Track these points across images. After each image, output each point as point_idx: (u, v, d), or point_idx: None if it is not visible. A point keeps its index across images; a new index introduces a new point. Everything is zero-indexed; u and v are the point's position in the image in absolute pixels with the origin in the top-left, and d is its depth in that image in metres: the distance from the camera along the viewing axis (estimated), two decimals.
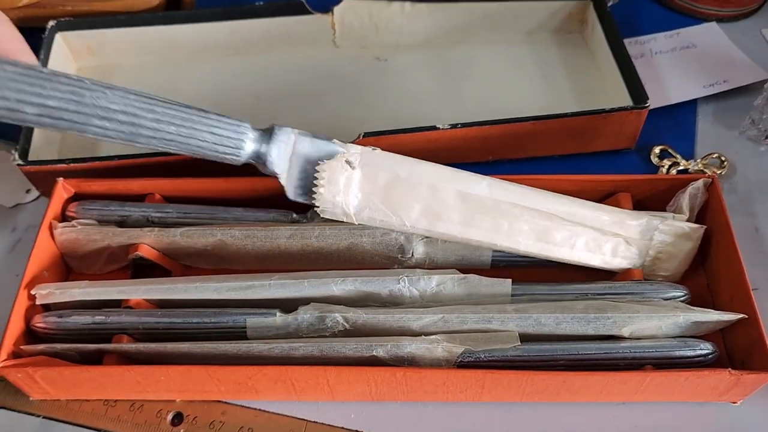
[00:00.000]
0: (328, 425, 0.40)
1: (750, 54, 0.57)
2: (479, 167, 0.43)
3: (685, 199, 0.43)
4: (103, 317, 0.40)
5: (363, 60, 0.58)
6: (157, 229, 0.43)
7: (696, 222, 0.43)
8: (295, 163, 0.40)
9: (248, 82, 0.56)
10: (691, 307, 0.39)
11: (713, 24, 0.61)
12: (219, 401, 0.41)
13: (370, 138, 0.45)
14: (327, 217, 0.40)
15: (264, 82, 0.56)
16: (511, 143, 0.49)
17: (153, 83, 0.56)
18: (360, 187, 0.40)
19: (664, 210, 0.44)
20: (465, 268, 0.41)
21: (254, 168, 0.40)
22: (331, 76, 0.57)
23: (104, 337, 0.40)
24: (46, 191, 0.47)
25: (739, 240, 0.40)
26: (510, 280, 0.40)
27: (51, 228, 0.43)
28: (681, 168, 0.51)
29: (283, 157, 0.40)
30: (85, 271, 0.45)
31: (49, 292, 0.40)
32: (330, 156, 0.40)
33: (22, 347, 0.39)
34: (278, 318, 0.39)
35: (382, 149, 0.41)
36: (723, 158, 0.51)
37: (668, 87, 0.55)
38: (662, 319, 0.38)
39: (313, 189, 0.40)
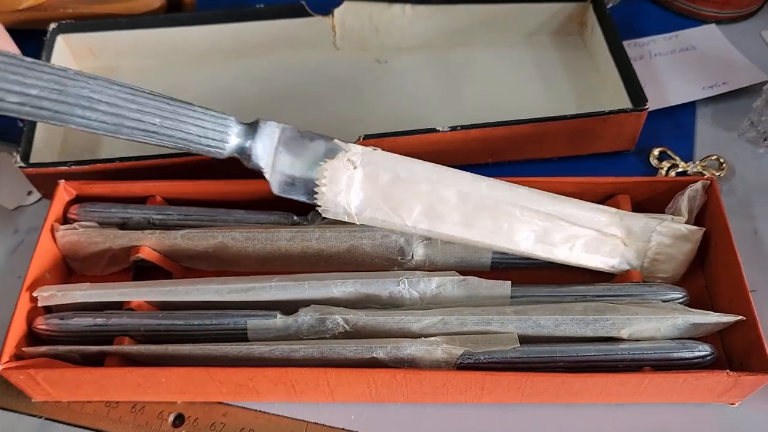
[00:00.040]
0: (329, 426, 0.40)
1: (749, 56, 0.57)
2: (479, 169, 0.43)
3: (683, 201, 0.43)
4: (105, 319, 0.40)
5: (363, 62, 0.58)
6: (158, 231, 0.43)
7: (695, 224, 0.43)
8: (280, 158, 0.40)
9: (249, 84, 0.57)
10: (690, 309, 0.39)
11: (712, 26, 0.61)
12: (220, 403, 0.41)
13: (371, 140, 0.46)
14: (329, 217, 0.40)
15: (265, 84, 0.57)
16: (511, 145, 0.49)
17: (154, 85, 0.55)
18: (361, 187, 0.40)
19: (663, 212, 0.44)
20: (464, 270, 0.42)
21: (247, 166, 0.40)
22: (331, 79, 0.57)
23: (106, 338, 0.40)
24: (48, 193, 0.47)
25: (738, 242, 0.41)
26: (509, 282, 0.40)
27: (53, 230, 0.43)
28: (680, 170, 0.51)
29: (268, 151, 0.39)
30: (87, 273, 0.45)
31: (51, 294, 0.41)
32: (317, 152, 0.40)
33: (24, 349, 0.39)
34: (279, 320, 0.39)
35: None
36: (722, 160, 0.51)
37: (667, 89, 0.55)
38: (661, 321, 0.38)
39: (315, 189, 0.40)
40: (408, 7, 0.56)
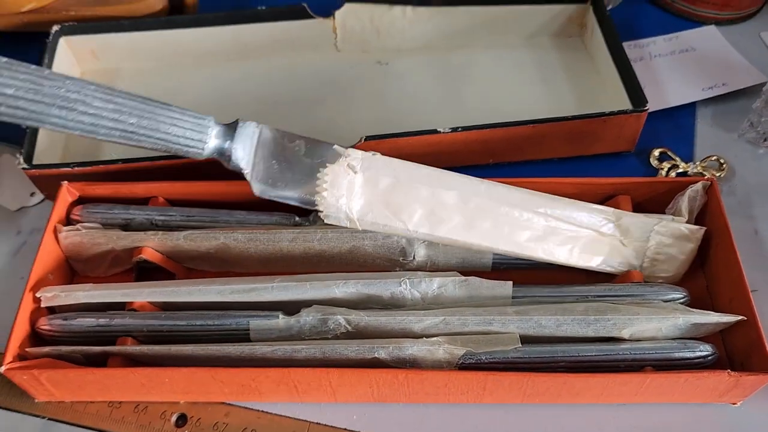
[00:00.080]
0: (331, 426, 0.40)
1: (749, 57, 0.58)
2: (480, 170, 0.43)
3: (684, 202, 0.43)
4: (108, 320, 0.40)
5: (364, 64, 0.58)
6: (160, 232, 0.43)
7: (695, 224, 0.43)
8: (261, 159, 0.39)
9: (250, 86, 0.57)
10: (691, 309, 0.39)
11: (712, 27, 0.61)
12: (222, 403, 0.41)
13: (372, 141, 0.46)
14: (330, 222, 0.40)
15: (266, 86, 0.57)
16: (511, 146, 0.49)
17: (156, 87, 0.56)
18: (362, 192, 0.40)
19: (664, 212, 0.44)
20: (466, 271, 0.42)
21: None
22: (332, 80, 0.57)
23: (109, 339, 0.40)
24: (51, 194, 0.47)
25: (738, 242, 0.41)
26: (511, 283, 0.41)
27: (56, 231, 0.43)
28: (680, 171, 0.51)
29: (248, 152, 0.39)
30: (90, 274, 0.45)
31: (54, 295, 0.41)
32: (298, 153, 0.39)
33: (27, 349, 0.39)
34: (281, 320, 0.39)
35: (384, 153, 0.41)
36: (722, 161, 0.51)
37: (667, 90, 0.56)
38: (662, 321, 0.39)
39: (316, 194, 0.39)
40: (409, 9, 0.56)
